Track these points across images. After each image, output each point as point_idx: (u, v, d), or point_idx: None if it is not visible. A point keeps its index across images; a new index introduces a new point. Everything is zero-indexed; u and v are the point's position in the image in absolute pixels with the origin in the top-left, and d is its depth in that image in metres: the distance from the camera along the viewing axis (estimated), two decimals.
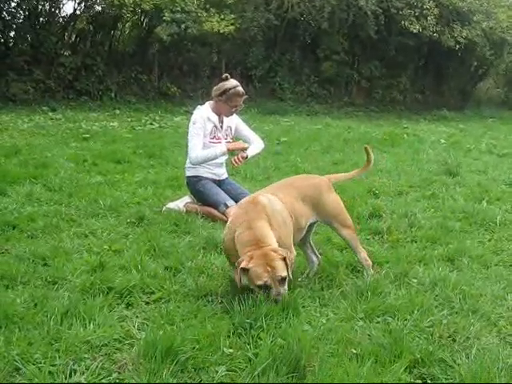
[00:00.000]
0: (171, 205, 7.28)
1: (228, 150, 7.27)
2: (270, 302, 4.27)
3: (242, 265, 4.32)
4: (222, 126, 7.45)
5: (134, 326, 4.04)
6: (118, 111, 18.53)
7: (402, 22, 24.46)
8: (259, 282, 4.34)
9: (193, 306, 4.37)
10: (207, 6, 21.09)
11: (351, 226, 5.32)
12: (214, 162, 7.34)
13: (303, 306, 4.47)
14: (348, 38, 25.55)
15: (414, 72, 28.71)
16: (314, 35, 25.54)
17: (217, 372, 3.46)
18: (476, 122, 24.27)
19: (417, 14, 24.56)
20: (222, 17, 20.96)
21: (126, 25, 22.78)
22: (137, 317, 4.23)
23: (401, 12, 24.39)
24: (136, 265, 5.07)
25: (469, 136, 18.23)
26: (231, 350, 3.70)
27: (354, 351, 3.73)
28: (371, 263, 5.26)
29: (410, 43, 25.79)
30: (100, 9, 20.89)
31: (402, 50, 26.76)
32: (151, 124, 16.22)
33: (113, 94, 20.46)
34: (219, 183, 7.49)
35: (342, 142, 14.18)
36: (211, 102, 7.45)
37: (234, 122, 7.64)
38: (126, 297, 4.52)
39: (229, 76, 7.42)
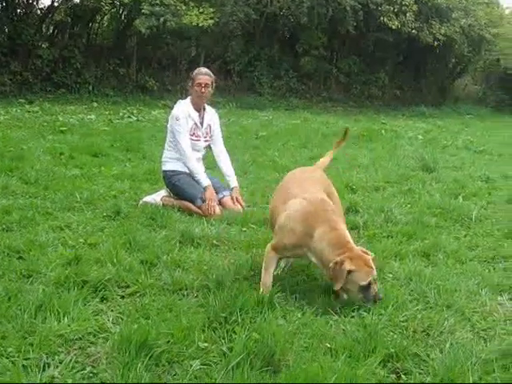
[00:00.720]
0: (148, 198, 7.24)
1: (207, 189, 7.05)
2: (367, 303, 4.37)
3: (348, 267, 4.31)
4: (202, 124, 7.41)
5: (108, 320, 4.01)
6: (95, 104, 18.46)
7: (381, 18, 24.58)
8: (363, 283, 4.38)
9: (168, 299, 4.35)
10: (186, 0, 21.01)
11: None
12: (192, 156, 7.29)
13: (279, 301, 4.46)
14: (327, 34, 25.63)
15: (393, 68, 28.81)
16: (293, 30, 25.59)
17: (191, 366, 3.45)
18: (453, 118, 24.45)
19: (396, 10, 24.67)
20: (201, 10, 20.92)
21: (105, 17, 22.73)
22: (111, 310, 4.20)
23: (380, 8, 24.49)
24: (111, 258, 5.03)
25: (446, 132, 18.36)
26: (206, 344, 3.68)
27: (329, 345, 3.73)
28: None
29: (388, 39, 25.91)
30: (78, 1, 20.82)
31: (380, 46, 26.89)
32: (129, 117, 16.17)
33: (90, 87, 20.39)
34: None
35: (319, 137, 14.22)
36: (191, 96, 7.43)
37: (215, 121, 7.62)
38: (100, 290, 4.48)
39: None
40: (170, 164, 7.40)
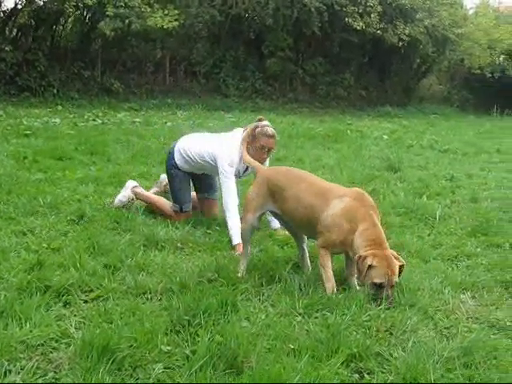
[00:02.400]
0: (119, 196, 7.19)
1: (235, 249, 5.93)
2: (375, 302, 4.55)
3: (369, 262, 4.57)
4: (245, 172, 6.80)
5: (71, 325, 3.98)
6: (60, 107, 18.29)
7: (346, 19, 24.68)
8: (377, 281, 4.60)
9: (131, 303, 4.33)
10: (151, 1, 20.96)
11: None
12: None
13: (242, 303, 4.46)
14: (292, 35, 25.64)
15: (358, 69, 28.95)
16: (259, 31, 25.59)
17: (154, 369, 3.44)
18: (418, 118, 24.66)
19: (360, 11, 24.80)
20: (166, 12, 20.86)
21: (69, 20, 22.48)
22: (74, 315, 4.17)
23: (344, 9, 24.59)
24: (75, 263, 4.99)
25: (411, 132, 18.51)
26: (169, 348, 3.68)
27: (292, 346, 3.74)
28: None
29: (353, 40, 26.06)
30: (42, 3, 20.53)
31: (345, 47, 27.01)
32: (94, 120, 16.02)
33: (55, 90, 20.16)
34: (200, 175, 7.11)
35: (286, 138, 14.21)
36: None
37: None
38: (63, 295, 4.45)
39: (263, 118, 6.63)
40: (179, 160, 6.92)
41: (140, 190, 7.24)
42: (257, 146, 6.39)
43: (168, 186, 7.24)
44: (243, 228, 5.42)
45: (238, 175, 6.65)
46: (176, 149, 6.99)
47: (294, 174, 5.45)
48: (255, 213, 5.30)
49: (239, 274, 5.06)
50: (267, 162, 6.68)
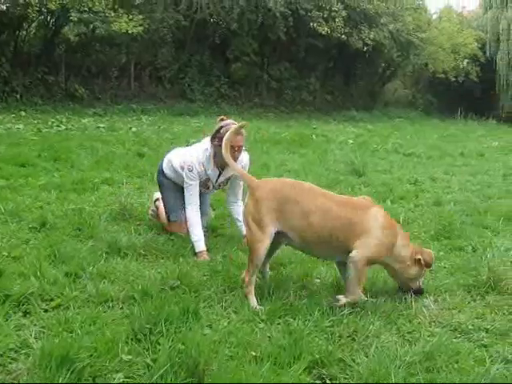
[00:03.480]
0: (150, 210, 7.13)
1: (197, 256, 5.95)
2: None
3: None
4: (217, 179, 6.62)
5: (30, 335, 3.91)
6: (23, 113, 18.09)
7: (311, 24, 24.78)
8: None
9: (92, 312, 4.28)
10: (115, 6, 20.82)
11: None
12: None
13: (205, 310, 4.44)
14: (258, 40, 25.67)
15: (324, 73, 29.08)
16: (224, 36, 25.59)
17: (114, 379, 3.40)
18: (384, 122, 24.81)
19: (325, 15, 24.92)
20: (131, 17, 20.73)
21: (32, 25, 22.20)
22: (34, 325, 4.11)
23: (309, 14, 24.69)
24: (35, 271, 4.91)
25: (376, 136, 18.60)
26: (130, 357, 3.63)
27: (254, 353, 3.72)
28: None
29: (319, 45, 26.17)
30: (4, 8, 20.31)
31: (311, 52, 27.11)
32: (58, 126, 15.88)
33: (18, 96, 19.91)
34: None
35: (251, 143, 14.19)
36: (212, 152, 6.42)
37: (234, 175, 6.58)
38: (23, 304, 4.38)
39: (224, 118, 6.43)
40: (167, 169, 6.77)
41: (159, 202, 7.02)
42: None
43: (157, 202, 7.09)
44: (260, 253, 4.84)
45: (208, 184, 6.57)
46: (166, 160, 6.86)
47: (303, 185, 5.24)
48: (272, 228, 4.85)
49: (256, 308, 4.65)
50: (243, 160, 6.47)
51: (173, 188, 6.74)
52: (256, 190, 4.98)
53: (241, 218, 6.17)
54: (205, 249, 6.02)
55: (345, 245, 4.76)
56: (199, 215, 6.27)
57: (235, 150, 6.14)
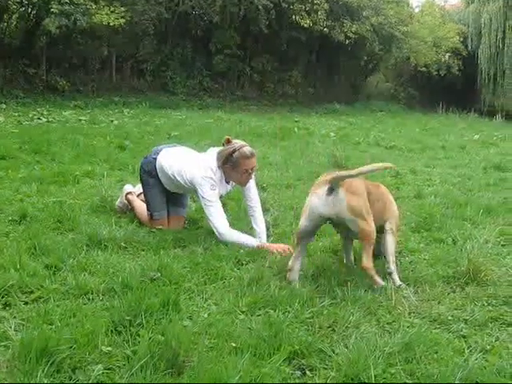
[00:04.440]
0: (119, 202, 7.02)
1: (260, 247, 5.90)
2: None
3: None
4: (227, 192, 6.59)
5: (10, 327, 3.89)
6: (4, 106, 17.98)
7: (293, 17, 24.83)
8: None
9: (72, 304, 4.25)
10: None
11: None
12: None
13: (185, 302, 4.43)
14: (240, 32, 25.68)
15: (306, 66, 29.15)
16: (206, 29, 25.59)
17: (93, 371, 3.38)
18: (366, 115, 24.90)
19: (307, 8, 24.97)
20: (112, 9, 20.69)
21: (13, 16, 22.09)
22: (14, 317, 4.08)
23: (292, 6, 24.74)
24: (15, 264, 4.88)
25: (358, 129, 18.67)
26: (109, 349, 3.61)
27: (234, 345, 3.72)
28: None
29: (301, 38, 26.22)
30: None
31: (293, 45, 27.16)
32: (39, 119, 15.82)
33: None
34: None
35: (233, 136, 14.05)
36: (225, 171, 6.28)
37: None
38: (3, 297, 4.34)
39: (231, 138, 6.29)
40: (160, 173, 6.59)
41: (133, 197, 6.93)
42: (241, 171, 6.11)
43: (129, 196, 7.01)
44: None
45: (220, 193, 6.40)
46: (158, 164, 6.59)
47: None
48: None
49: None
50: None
51: (158, 187, 6.65)
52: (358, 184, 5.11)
53: (260, 228, 6.29)
54: (258, 242, 5.99)
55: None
56: (231, 228, 6.11)
57: (250, 173, 6.19)
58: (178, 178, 6.38)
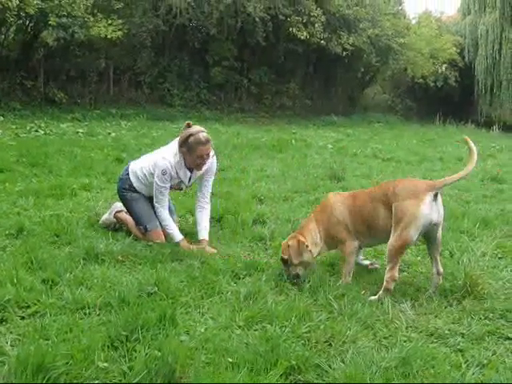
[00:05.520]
0: (104, 219, 6.98)
1: (181, 244, 6.30)
2: None
3: None
4: (190, 180, 6.68)
5: (7, 343, 3.88)
6: (1, 118, 17.97)
7: (290, 29, 24.89)
8: None
9: (69, 319, 4.24)
10: (94, 11, 20.79)
11: None
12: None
13: (182, 316, 4.42)
14: (237, 45, 25.73)
15: (303, 78, 29.20)
16: (203, 41, 25.63)
17: None
18: (363, 127, 24.91)
19: (304, 20, 25.03)
20: (110, 22, 20.73)
21: (11, 29, 22.10)
22: (11, 332, 4.07)
23: (289, 19, 24.80)
24: (12, 278, 4.87)
25: (355, 141, 18.67)
26: (106, 364, 3.60)
27: (231, 360, 3.71)
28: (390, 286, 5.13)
29: (298, 50, 26.28)
30: None
31: (290, 57, 27.21)
32: (36, 131, 15.81)
33: None
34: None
35: (230, 148, 14.23)
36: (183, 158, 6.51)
37: (208, 171, 6.73)
38: None
39: (191, 123, 6.50)
40: (136, 182, 6.74)
41: (123, 215, 6.89)
42: (195, 156, 6.32)
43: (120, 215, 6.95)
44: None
45: (182, 186, 6.71)
46: (131, 172, 6.79)
47: None
48: None
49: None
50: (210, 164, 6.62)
51: (141, 198, 6.75)
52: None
53: (203, 224, 6.56)
54: (182, 237, 6.36)
55: None
56: (168, 213, 6.48)
57: (204, 158, 6.35)
58: (152, 178, 6.55)
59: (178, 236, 6.38)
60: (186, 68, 25.46)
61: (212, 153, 6.54)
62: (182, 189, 6.84)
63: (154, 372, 3.44)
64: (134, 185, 6.73)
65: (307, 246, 5.44)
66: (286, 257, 5.40)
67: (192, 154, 6.31)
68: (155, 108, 23.37)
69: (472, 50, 34.33)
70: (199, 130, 6.35)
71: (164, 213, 6.47)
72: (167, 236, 6.46)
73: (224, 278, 5.29)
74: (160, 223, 6.53)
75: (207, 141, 6.32)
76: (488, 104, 34.15)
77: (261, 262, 5.77)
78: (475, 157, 5.51)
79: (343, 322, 4.42)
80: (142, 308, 4.28)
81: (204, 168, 6.58)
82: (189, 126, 6.44)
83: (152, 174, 6.52)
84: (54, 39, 19.55)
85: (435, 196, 5.04)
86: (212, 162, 6.65)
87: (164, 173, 6.37)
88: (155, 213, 6.59)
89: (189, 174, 6.57)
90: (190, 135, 6.28)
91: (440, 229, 5.21)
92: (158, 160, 6.46)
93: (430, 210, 5.00)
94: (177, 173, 6.45)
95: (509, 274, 5.74)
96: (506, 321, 4.66)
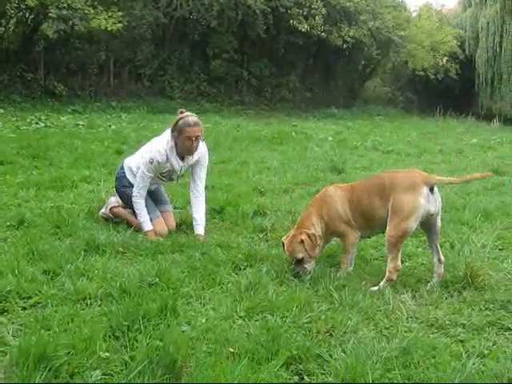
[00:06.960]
0: (102, 213, 6.98)
1: (148, 235, 6.40)
2: None
3: None
4: (181, 169, 6.71)
5: (8, 333, 3.89)
6: (2, 110, 17.98)
7: (291, 21, 24.84)
8: None
9: (70, 309, 4.25)
10: (94, 3, 20.75)
11: None
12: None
13: (183, 307, 4.43)
14: (237, 37, 25.68)
15: (304, 71, 29.15)
16: (204, 33, 25.58)
17: (91, 376, 3.38)
18: (363, 119, 24.87)
19: (305, 13, 24.97)
20: (110, 14, 20.69)
21: (11, 21, 22.07)
22: (12, 323, 4.08)
23: (289, 11, 24.74)
24: (13, 269, 4.88)
25: (356, 133, 18.65)
26: (107, 354, 3.61)
27: (232, 350, 3.71)
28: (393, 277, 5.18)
29: (298, 42, 26.22)
30: None
31: (291, 49, 27.15)
32: (37, 123, 15.82)
33: None
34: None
35: (230, 141, 14.23)
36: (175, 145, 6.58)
37: (200, 161, 6.80)
38: (1, 302, 4.35)
39: (184, 110, 6.63)
40: (133, 179, 6.77)
41: (119, 210, 6.94)
42: (183, 138, 6.41)
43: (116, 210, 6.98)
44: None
45: (173, 176, 6.81)
46: (126, 168, 6.90)
47: None
48: None
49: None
50: (200, 149, 6.67)
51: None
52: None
53: (198, 218, 6.60)
54: (151, 228, 6.49)
55: None
56: (144, 201, 6.62)
57: (193, 140, 6.42)
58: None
59: (148, 227, 6.48)
60: (187, 60, 25.43)
61: (202, 143, 6.67)
62: (173, 179, 6.88)
63: (156, 362, 3.44)
64: (132, 181, 6.77)
65: (320, 238, 5.46)
66: (301, 255, 5.36)
67: (180, 136, 6.42)
68: (155, 100, 23.34)
69: (473, 42, 34.29)
70: (189, 115, 6.55)
71: (139, 201, 6.59)
72: (139, 225, 6.56)
73: (225, 268, 5.31)
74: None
75: (195, 124, 6.44)
76: (488, 97, 34.15)
77: (261, 253, 5.77)
78: (477, 176, 6.17)
79: (344, 312, 4.41)
80: (143, 298, 4.29)
81: (195, 158, 6.66)
82: (182, 112, 6.57)
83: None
84: (54, 31, 19.52)
85: (431, 188, 5.16)
86: (203, 152, 6.76)
87: (151, 161, 6.48)
88: (149, 204, 6.71)
89: (181, 163, 6.62)
90: (180, 118, 6.46)
91: (438, 218, 5.32)
92: (152, 152, 6.55)
93: (427, 201, 5.11)
94: (168, 158, 6.52)
95: (509, 266, 5.73)
96: (507, 311, 4.66)
